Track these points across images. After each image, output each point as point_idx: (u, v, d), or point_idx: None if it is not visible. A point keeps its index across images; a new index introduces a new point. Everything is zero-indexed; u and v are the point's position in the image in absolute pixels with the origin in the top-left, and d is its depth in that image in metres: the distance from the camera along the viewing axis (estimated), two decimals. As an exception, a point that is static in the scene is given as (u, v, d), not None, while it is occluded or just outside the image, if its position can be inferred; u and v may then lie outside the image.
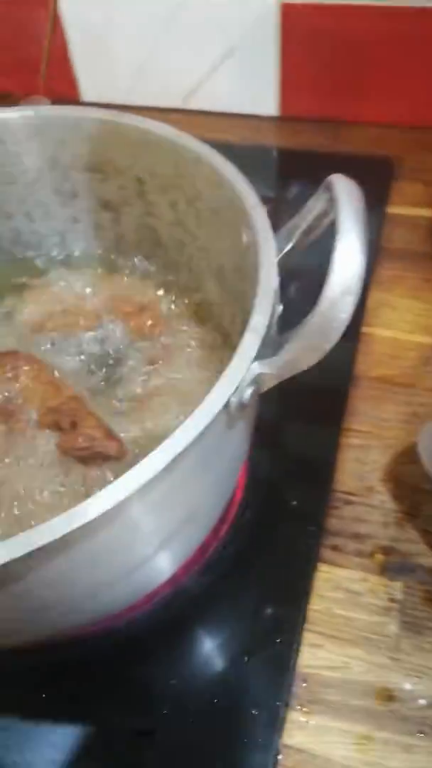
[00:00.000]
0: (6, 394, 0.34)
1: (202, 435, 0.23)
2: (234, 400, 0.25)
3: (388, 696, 0.32)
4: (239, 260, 0.34)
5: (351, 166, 0.62)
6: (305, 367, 0.26)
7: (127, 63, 0.66)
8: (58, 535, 0.20)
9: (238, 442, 0.30)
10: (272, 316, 0.27)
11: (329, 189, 0.27)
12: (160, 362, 0.39)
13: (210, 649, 0.34)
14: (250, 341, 0.25)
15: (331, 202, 0.26)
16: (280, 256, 0.30)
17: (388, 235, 0.54)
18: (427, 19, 0.56)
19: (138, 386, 0.38)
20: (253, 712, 0.32)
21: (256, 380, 0.26)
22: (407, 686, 0.32)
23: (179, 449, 0.22)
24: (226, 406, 0.25)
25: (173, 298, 0.42)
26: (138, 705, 0.32)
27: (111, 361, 0.39)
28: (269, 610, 0.35)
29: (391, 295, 0.50)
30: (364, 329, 0.47)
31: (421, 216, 0.55)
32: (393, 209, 0.56)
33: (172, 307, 0.42)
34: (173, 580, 0.36)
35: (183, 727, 0.31)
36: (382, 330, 0.47)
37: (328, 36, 0.60)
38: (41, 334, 0.40)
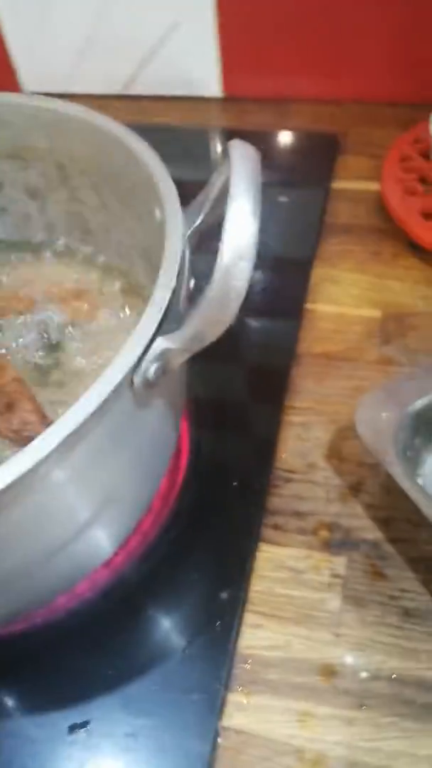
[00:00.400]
0: None
1: (102, 412, 0.23)
2: (137, 377, 0.24)
3: (330, 671, 0.32)
4: (158, 239, 0.33)
5: (296, 144, 0.62)
6: (211, 340, 0.25)
7: (66, 49, 0.65)
8: None
9: (157, 421, 0.29)
10: (177, 290, 0.26)
11: (227, 155, 0.26)
12: (98, 345, 0.38)
13: (151, 636, 0.33)
14: (150, 316, 0.25)
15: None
16: (191, 230, 0.30)
17: (333, 210, 0.53)
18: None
19: (76, 370, 0.37)
20: (194, 696, 0.31)
21: (162, 356, 0.25)
22: (349, 660, 0.32)
23: (74, 426, 0.22)
24: (131, 383, 0.24)
25: (107, 282, 0.42)
26: (73, 697, 0.31)
27: (49, 346, 0.38)
28: (210, 594, 0.34)
29: (337, 270, 0.49)
30: (308, 305, 0.47)
31: (367, 189, 0.55)
32: (339, 184, 0.55)
33: (109, 289, 0.42)
34: (113, 567, 0.35)
35: (120, 716, 0.31)
36: (326, 305, 0.47)
37: (268, 12, 0.59)
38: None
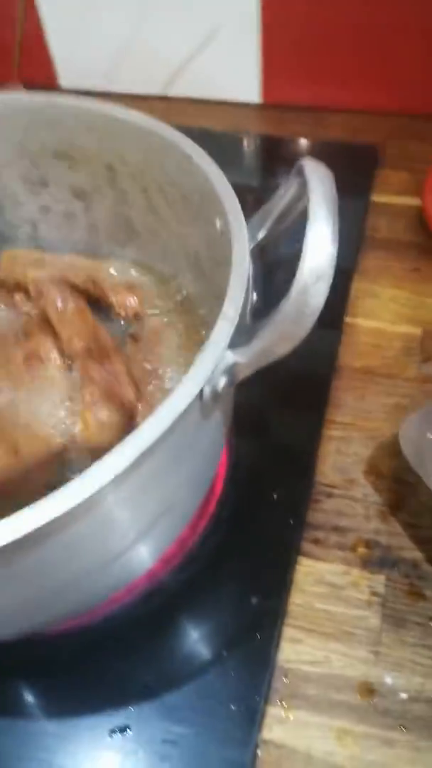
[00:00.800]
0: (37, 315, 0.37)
1: (174, 426, 0.23)
2: (207, 389, 0.25)
3: (368, 690, 0.32)
4: (213, 249, 0.34)
5: (335, 154, 0.62)
6: (280, 356, 0.25)
7: (107, 48, 0.65)
8: (26, 529, 0.20)
9: (213, 433, 0.29)
10: (245, 304, 0.26)
11: (300, 174, 0.26)
12: (144, 342, 0.38)
13: (188, 644, 0.34)
14: (222, 329, 0.25)
15: (303, 187, 0.26)
16: (255, 244, 0.30)
17: (372, 224, 0.53)
18: (410, 6, 0.56)
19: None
20: (232, 707, 0.31)
21: (230, 369, 0.25)
22: (388, 680, 0.32)
23: (150, 441, 0.22)
24: (200, 396, 0.25)
25: (153, 284, 0.42)
26: (113, 701, 0.32)
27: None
28: (249, 605, 0.35)
29: (376, 285, 0.49)
30: (348, 319, 0.47)
31: (406, 204, 0.55)
32: (378, 198, 0.55)
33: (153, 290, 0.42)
34: (152, 574, 0.35)
35: (158, 723, 0.31)
36: (366, 320, 0.47)
37: (311, 22, 0.59)
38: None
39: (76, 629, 0.34)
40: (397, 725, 0.31)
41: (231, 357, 0.25)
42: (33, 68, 0.63)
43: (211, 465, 0.32)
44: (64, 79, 0.69)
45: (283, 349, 0.25)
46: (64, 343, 0.35)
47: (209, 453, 0.31)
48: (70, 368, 0.35)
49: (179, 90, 0.67)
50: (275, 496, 0.38)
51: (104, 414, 0.32)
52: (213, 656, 0.33)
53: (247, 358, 0.25)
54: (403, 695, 0.32)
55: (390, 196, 0.56)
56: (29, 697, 0.32)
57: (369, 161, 0.59)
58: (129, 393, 0.33)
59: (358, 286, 0.49)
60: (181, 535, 0.37)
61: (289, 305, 0.24)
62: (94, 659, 0.33)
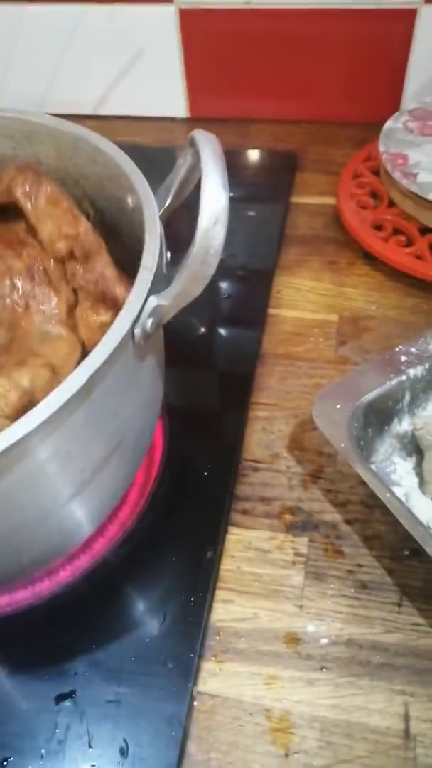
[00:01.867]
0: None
1: (112, 360, 0.26)
2: (138, 331, 0.28)
3: (294, 639, 0.35)
4: (130, 226, 0.37)
5: (258, 161, 0.67)
6: (195, 295, 0.28)
7: (36, 75, 0.69)
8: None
9: (149, 377, 0.33)
10: (161, 255, 0.30)
11: (193, 143, 0.30)
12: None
13: (130, 613, 0.37)
14: (143, 277, 0.29)
15: (197, 154, 0.29)
16: (162, 211, 0.33)
17: (292, 222, 0.58)
18: (324, 21, 0.61)
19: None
20: (169, 665, 0.34)
21: (155, 311, 0.28)
22: (311, 628, 0.35)
23: (92, 370, 0.25)
24: (131, 335, 0.28)
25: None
26: (61, 670, 0.34)
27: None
28: (184, 573, 0.38)
29: (296, 278, 0.53)
30: (271, 311, 0.51)
31: (324, 204, 0.59)
32: (297, 198, 0.60)
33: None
34: (93, 553, 0.38)
35: (103, 686, 0.34)
36: (287, 311, 0.51)
37: (228, 38, 0.64)
38: None
39: (24, 608, 0.37)
40: (318, 667, 0.34)
41: (154, 300, 0.29)
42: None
43: (151, 413, 0.35)
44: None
45: (196, 289, 0.28)
46: (46, 246, 0.34)
47: (148, 397, 0.34)
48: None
49: (110, 109, 0.71)
50: (206, 473, 0.41)
51: (103, 317, 0.33)
52: (152, 622, 0.36)
53: (167, 301, 0.29)
54: (324, 641, 0.35)
55: (308, 197, 0.60)
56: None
57: (289, 166, 0.63)
58: (118, 292, 0.33)
59: (279, 280, 0.53)
60: (120, 516, 0.40)
61: (195, 248, 0.27)
62: (42, 635, 0.36)
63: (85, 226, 0.35)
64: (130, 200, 0.35)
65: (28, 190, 0.35)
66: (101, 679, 0.34)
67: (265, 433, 0.44)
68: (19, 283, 0.35)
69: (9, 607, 0.37)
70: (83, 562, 0.38)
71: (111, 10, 0.64)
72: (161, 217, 0.32)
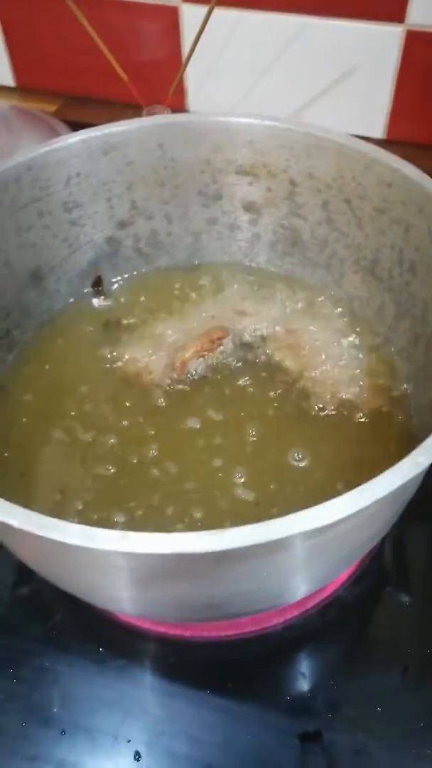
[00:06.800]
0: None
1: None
2: None
3: None
4: (411, 252, 0.38)
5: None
6: None
7: (238, 80, 0.71)
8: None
9: None
10: None
11: None
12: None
13: (366, 660, 0.36)
14: None
15: None
16: None
17: None
18: None
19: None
20: (420, 724, 0.33)
21: None
22: None
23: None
24: None
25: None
26: (301, 707, 0.33)
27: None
28: (422, 623, 0.37)
29: None
30: None
31: None
32: None
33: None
34: (323, 590, 0.38)
35: (348, 733, 0.33)
36: None
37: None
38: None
39: (255, 636, 0.36)
40: None
41: None
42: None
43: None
44: (194, 107, 0.74)
45: None
46: None
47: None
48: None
49: (303, 121, 0.72)
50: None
51: None
52: (394, 672, 0.35)
53: None
54: None
55: None
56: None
57: None
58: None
59: None
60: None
61: None
62: (275, 664, 0.35)
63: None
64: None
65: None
66: (346, 724, 0.33)
67: None
68: None
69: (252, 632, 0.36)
70: (320, 596, 0.37)
71: (332, 24, 0.64)
72: None
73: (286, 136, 0.42)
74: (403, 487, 0.23)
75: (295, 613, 0.37)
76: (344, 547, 0.29)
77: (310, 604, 0.37)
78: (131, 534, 0.21)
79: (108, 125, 0.41)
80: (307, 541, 0.24)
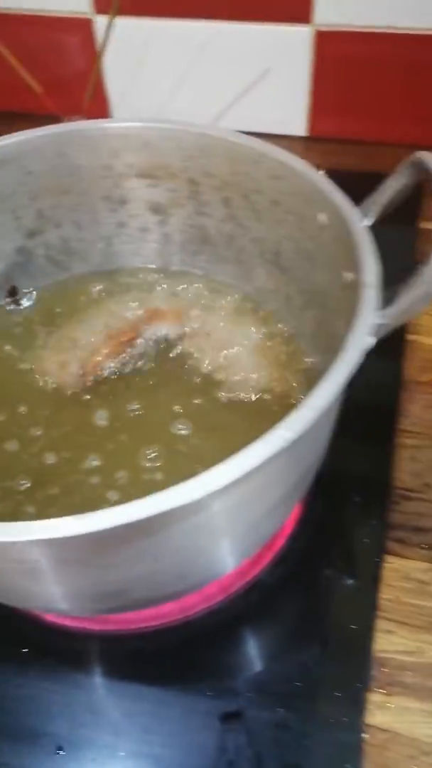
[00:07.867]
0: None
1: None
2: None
3: (463, 678, 0.35)
4: (307, 241, 0.40)
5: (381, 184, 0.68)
6: (415, 314, 0.30)
7: (159, 87, 0.72)
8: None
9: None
10: (378, 272, 0.31)
11: (418, 164, 0.32)
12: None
13: (288, 639, 0.37)
14: (370, 294, 0.30)
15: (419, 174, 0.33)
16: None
17: (422, 249, 0.59)
18: None
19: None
20: (336, 694, 0.34)
21: (376, 330, 0.29)
22: None
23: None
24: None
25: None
26: (224, 689, 0.35)
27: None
28: (342, 600, 0.38)
29: None
30: (409, 337, 0.52)
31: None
32: (427, 225, 0.61)
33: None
34: (245, 573, 0.39)
35: (268, 710, 0.34)
36: (427, 338, 0.52)
37: (361, 61, 0.66)
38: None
39: (180, 623, 0.37)
40: None
41: (377, 319, 0.29)
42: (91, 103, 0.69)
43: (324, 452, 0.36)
44: (118, 114, 0.75)
45: (419, 308, 0.30)
46: None
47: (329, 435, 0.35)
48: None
49: (227, 123, 0.74)
50: (357, 498, 0.42)
51: None
52: (312, 649, 0.36)
53: (389, 319, 0.30)
54: None
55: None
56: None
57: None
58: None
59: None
60: (273, 537, 0.40)
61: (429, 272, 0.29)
62: (199, 650, 0.36)
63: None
64: (322, 217, 0.37)
65: None
66: (267, 702, 0.34)
67: (415, 462, 0.44)
68: None
69: (169, 621, 0.37)
70: (238, 581, 0.39)
71: (241, 27, 0.66)
72: None
73: (181, 137, 0.43)
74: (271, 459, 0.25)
75: (220, 598, 0.38)
76: (238, 524, 0.30)
77: (232, 589, 0.39)
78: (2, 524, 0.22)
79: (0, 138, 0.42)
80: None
